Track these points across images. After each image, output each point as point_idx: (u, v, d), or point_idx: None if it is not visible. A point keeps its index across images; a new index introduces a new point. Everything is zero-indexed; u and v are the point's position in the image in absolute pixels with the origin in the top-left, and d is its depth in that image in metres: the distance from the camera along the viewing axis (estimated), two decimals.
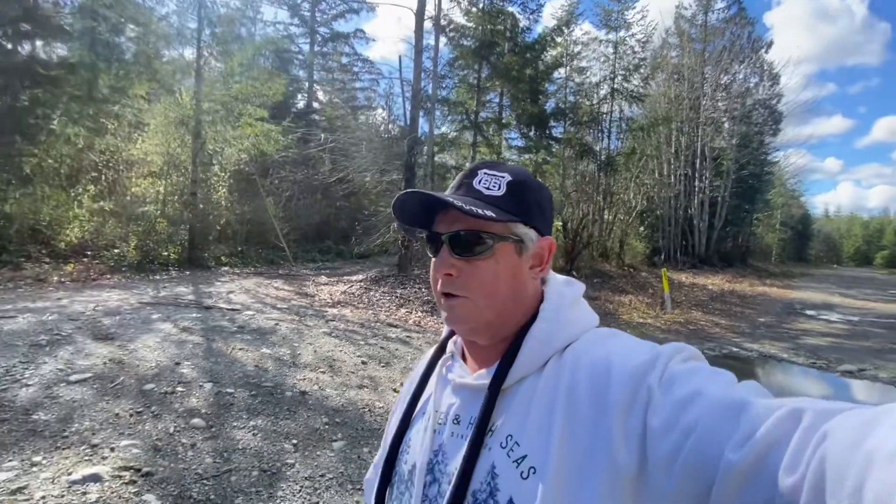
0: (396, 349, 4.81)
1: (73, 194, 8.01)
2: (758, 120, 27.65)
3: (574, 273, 13.23)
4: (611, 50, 17.97)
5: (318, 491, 2.23)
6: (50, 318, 4.12)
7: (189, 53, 10.60)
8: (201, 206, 9.26)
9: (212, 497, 2.06)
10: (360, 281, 9.31)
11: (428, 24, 11.34)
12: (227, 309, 5.39)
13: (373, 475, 0.70)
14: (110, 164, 8.70)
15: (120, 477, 2.07)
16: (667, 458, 0.40)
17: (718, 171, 24.60)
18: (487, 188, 0.57)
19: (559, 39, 16.42)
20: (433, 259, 0.59)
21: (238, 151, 9.81)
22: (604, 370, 0.48)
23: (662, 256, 22.60)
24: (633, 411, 0.44)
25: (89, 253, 7.82)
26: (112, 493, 1.97)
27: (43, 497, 1.87)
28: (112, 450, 2.26)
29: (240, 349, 3.93)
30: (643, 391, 0.44)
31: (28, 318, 4.07)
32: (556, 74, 17.36)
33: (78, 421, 2.46)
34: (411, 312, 7.35)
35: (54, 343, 3.44)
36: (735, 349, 6.84)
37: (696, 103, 23.97)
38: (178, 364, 3.38)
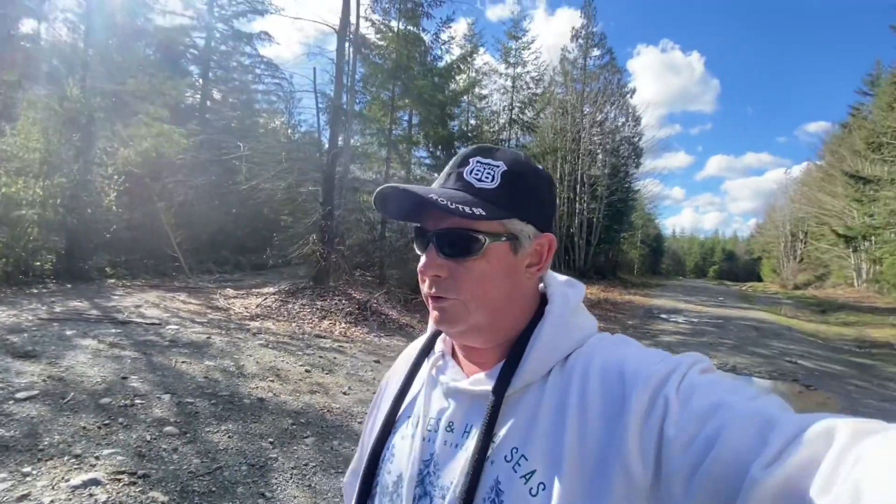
0: (334, 358, 5.09)
1: None
2: (624, 154, 32.51)
3: None
4: (509, 83, 19.93)
5: (307, 476, 2.56)
6: None
7: (76, 39, 9.52)
8: (89, 210, 8.33)
9: (213, 489, 2.29)
10: (275, 293, 9.16)
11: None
12: (147, 324, 5.14)
13: (351, 480, 0.66)
14: None
15: (118, 480, 2.19)
16: (685, 471, 0.39)
17: (594, 196, 28.37)
18: (479, 179, 0.53)
19: (463, 67, 17.78)
20: (422, 256, 0.55)
21: (136, 153, 9.03)
22: (617, 379, 0.46)
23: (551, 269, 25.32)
24: (648, 422, 0.42)
25: None
26: (118, 493, 2.10)
27: (52, 501, 1.96)
28: (97, 458, 2.34)
29: (182, 362, 3.93)
30: (660, 401, 0.43)
31: None
32: (461, 99, 18.72)
33: (47, 435, 2.45)
34: (335, 324, 7.55)
35: None
36: None
37: (577, 136, 27.45)
38: (125, 378, 3.34)
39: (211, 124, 18.44)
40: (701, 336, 9.82)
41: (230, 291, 9.69)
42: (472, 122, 20.08)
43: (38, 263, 8.04)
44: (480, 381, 0.54)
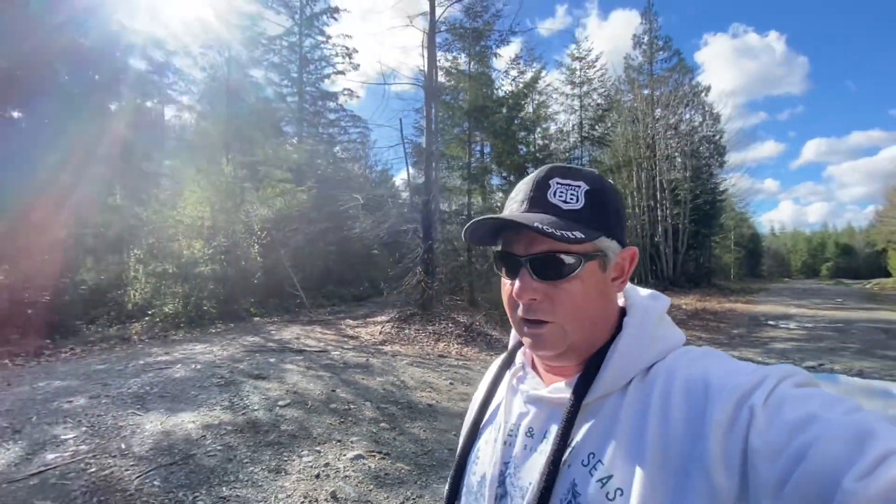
0: (466, 373, 5.96)
1: (132, 259, 8.84)
2: (705, 154, 31.03)
3: None
4: (577, 103, 20.38)
5: None
6: (196, 367, 5.06)
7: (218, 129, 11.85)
8: (243, 262, 10.23)
9: (433, 464, 3.18)
10: (388, 321, 10.35)
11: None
12: (315, 351, 6.41)
13: None
14: (158, 230, 9.60)
15: (374, 455, 3.16)
16: (773, 484, 0.38)
17: (676, 201, 27.33)
18: (565, 201, 0.54)
19: (527, 92, 18.53)
20: (506, 281, 0.57)
21: (270, 211, 10.93)
22: (701, 390, 0.46)
23: (635, 281, 24.66)
24: (733, 431, 0.42)
25: (150, 312, 8.60)
26: (378, 463, 3.07)
27: (344, 467, 2.96)
28: (351, 442, 3.35)
29: (362, 379, 5.00)
30: (745, 411, 0.42)
31: (179, 367, 5.01)
32: (530, 124, 19.49)
33: (313, 429, 3.52)
34: (449, 345, 8.48)
35: (231, 383, 4.43)
36: None
37: (651, 142, 26.86)
38: (334, 391, 4.44)
39: (308, 177, 21.02)
40: (819, 341, 9.41)
41: (350, 321, 11.08)
42: (540, 142, 20.70)
43: (206, 307, 9.97)
44: (560, 389, 0.56)
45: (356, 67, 24.49)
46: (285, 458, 2.99)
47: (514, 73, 16.32)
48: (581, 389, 0.53)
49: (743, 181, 32.61)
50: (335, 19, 21.30)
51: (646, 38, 29.69)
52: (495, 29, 14.98)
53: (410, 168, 15.27)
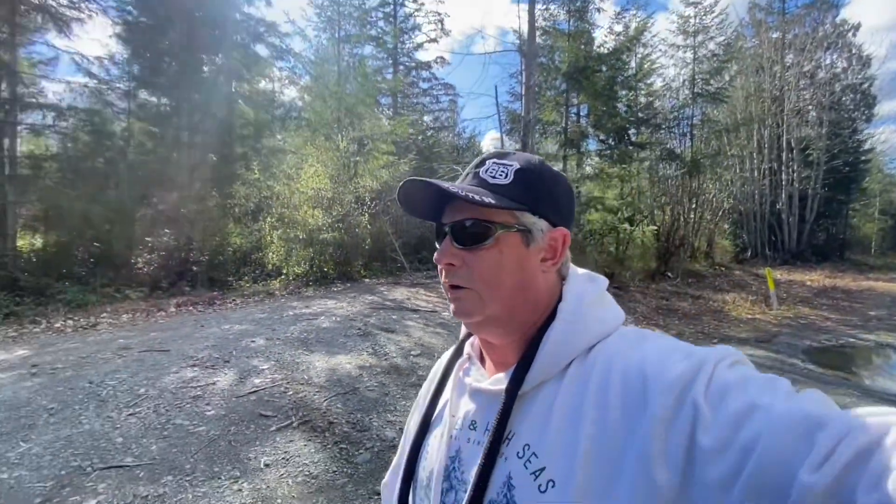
0: None
1: (267, 226, 10.30)
2: (848, 105, 26.47)
3: (669, 274, 14.06)
4: (689, 55, 18.46)
5: None
6: (336, 319, 5.98)
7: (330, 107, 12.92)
8: (356, 230, 11.35)
9: None
10: None
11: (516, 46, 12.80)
12: (427, 311, 7.12)
13: (391, 479, 0.72)
14: (287, 201, 10.97)
15: None
16: (723, 480, 0.38)
17: (807, 163, 23.91)
18: (493, 177, 0.57)
19: (631, 46, 17.11)
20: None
21: (377, 183, 11.86)
22: (638, 379, 0.46)
23: (749, 253, 22.44)
24: (675, 426, 0.42)
25: (284, 272, 10.03)
26: None
27: None
28: None
29: None
30: (687, 405, 0.42)
31: (324, 319, 5.95)
32: (633, 82, 18.08)
33: None
34: None
35: (368, 334, 5.22)
36: (851, 339, 7.59)
37: (778, 94, 23.49)
38: None
39: (406, 148, 21.97)
40: None
41: None
42: (643, 100, 19.17)
43: (327, 269, 11.29)
44: (499, 381, 0.57)
45: (447, 34, 24.55)
46: None
47: (617, 27, 15.18)
48: (516, 380, 0.54)
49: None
50: None
51: None
52: None
53: (505, 136, 15.30)
